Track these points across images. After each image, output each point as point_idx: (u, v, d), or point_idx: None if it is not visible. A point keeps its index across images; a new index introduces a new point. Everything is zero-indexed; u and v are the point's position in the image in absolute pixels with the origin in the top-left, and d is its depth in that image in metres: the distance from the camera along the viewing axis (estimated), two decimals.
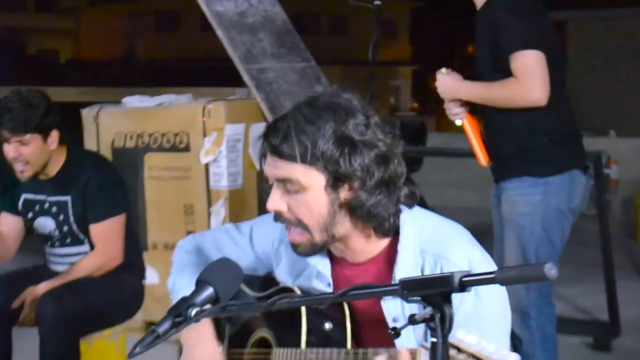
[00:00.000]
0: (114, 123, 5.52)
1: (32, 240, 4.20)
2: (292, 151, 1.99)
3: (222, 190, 5.17)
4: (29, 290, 3.83)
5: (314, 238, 2.06)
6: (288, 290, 2.19)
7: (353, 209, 2.03)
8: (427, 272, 2.04)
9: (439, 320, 1.45)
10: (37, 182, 3.93)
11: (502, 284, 1.43)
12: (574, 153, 3.74)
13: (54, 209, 3.95)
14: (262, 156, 2.08)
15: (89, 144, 5.52)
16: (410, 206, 2.09)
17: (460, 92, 3.74)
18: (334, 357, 1.98)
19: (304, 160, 1.99)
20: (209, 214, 5.20)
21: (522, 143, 3.66)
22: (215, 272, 1.91)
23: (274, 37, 5.55)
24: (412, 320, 1.48)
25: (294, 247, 2.10)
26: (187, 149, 5.25)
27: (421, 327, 1.53)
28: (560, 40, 3.94)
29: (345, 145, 1.98)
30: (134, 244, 4.16)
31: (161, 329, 1.77)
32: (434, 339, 1.45)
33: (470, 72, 3.81)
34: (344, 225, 2.05)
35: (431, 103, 30.87)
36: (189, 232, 5.27)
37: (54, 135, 3.85)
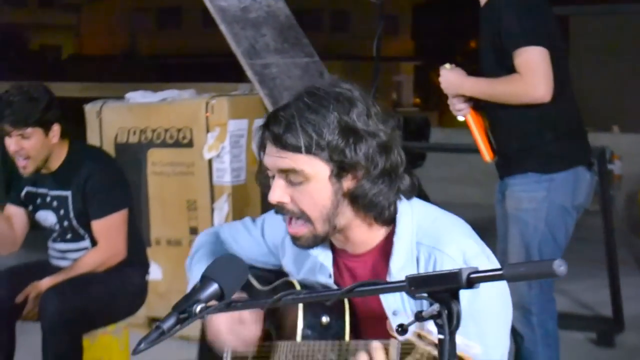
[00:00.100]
0: (117, 118, 5.51)
1: (35, 236, 4.20)
2: (297, 141, 1.97)
3: (225, 185, 5.17)
4: (32, 285, 3.83)
5: (316, 229, 2.05)
6: (289, 283, 2.19)
7: (356, 199, 2.02)
8: (422, 264, 2.04)
9: (447, 317, 1.44)
10: (39, 175, 3.94)
11: (510, 280, 1.43)
12: (578, 149, 3.73)
13: (55, 203, 3.95)
14: (261, 147, 2.06)
15: (92, 139, 5.52)
16: (409, 196, 2.08)
17: (463, 88, 3.73)
18: (322, 349, 1.99)
19: (308, 151, 1.98)
20: (212, 210, 5.19)
21: (527, 139, 3.65)
22: (220, 268, 1.91)
23: (277, 32, 5.54)
24: (419, 317, 1.48)
25: (295, 239, 2.08)
26: (190, 144, 5.24)
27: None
28: (562, 36, 3.93)
29: (350, 135, 1.98)
30: (138, 239, 4.15)
31: (166, 325, 1.77)
32: (441, 336, 1.44)
33: (473, 68, 3.80)
34: (345, 215, 2.05)
35: (433, 98, 30.85)
36: (191, 228, 5.27)
37: (56, 129, 3.84)
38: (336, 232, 2.08)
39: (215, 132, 5.14)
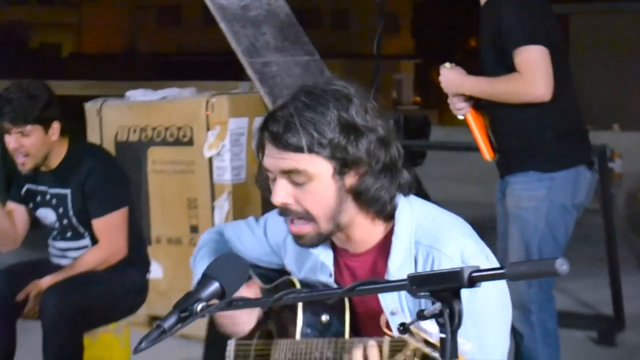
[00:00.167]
0: (117, 117, 5.51)
1: (35, 234, 4.20)
2: (298, 141, 1.97)
3: (225, 184, 5.17)
4: (33, 284, 3.83)
5: (320, 228, 2.05)
6: (290, 282, 2.19)
7: (359, 194, 2.02)
8: (420, 264, 2.04)
9: (448, 316, 1.44)
10: (39, 173, 3.94)
11: (512, 279, 1.42)
12: (579, 148, 3.73)
13: (54, 201, 3.95)
14: (260, 148, 2.05)
15: (92, 137, 5.52)
16: (408, 191, 2.08)
17: (464, 87, 3.73)
18: (319, 347, 1.99)
19: (310, 150, 1.97)
20: (213, 208, 5.19)
21: (527, 138, 3.65)
22: (221, 266, 1.91)
23: (278, 30, 5.54)
24: (421, 316, 1.47)
25: (298, 238, 2.08)
26: (190, 142, 5.24)
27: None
28: (562, 34, 3.93)
29: (350, 131, 1.98)
30: (138, 238, 4.15)
31: (167, 324, 1.77)
32: (442, 335, 1.44)
33: (472, 67, 3.80)
34: (348, 212, 2.05)
35: (434, 97, 30.84)
36: (192, 227, 5.27)
37: (55, 126, 3.84)
38: (339, 230, 2.08)
39: (216, 131, 5.14)
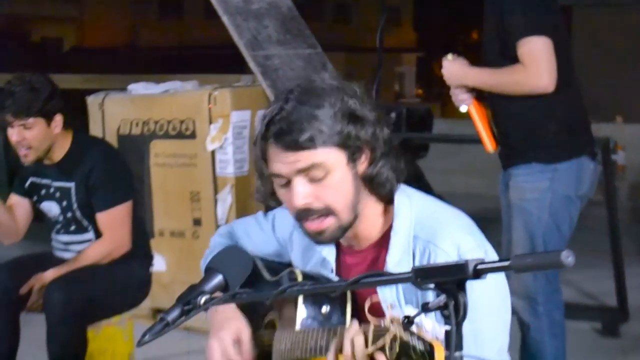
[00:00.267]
0: (119, 110, 5.51)
1: (39, 227, 4.20)
2: (310, 138, 1.97)
3: (228, 177, 5.16)
4: (37, 277, 3.83)
5: (341, 220, 2.04)
6: (293, 274, 2.20)
7: (371, 179, 2.05)
8: (417, 258, 2.04)
9: (453, 308, 1.43)
10: (42, 166, 3.94)
11: (517, 271, 1.42)
12: (582, 139, 3.72)
13: (58, 194, 3.95)
14: (262, 155, 2.03)
15: (95, 131, 5.51)
16: (403, 172, 2.10)
17: (466, 79, 3.72)
18: (314, 336, 2.00)
19: (323, 142, 1.97)
20: (216, 201, 5.19)
21: (530, 129, 3.64)
22: (224, 260, 1.91)
23: (280, 23, 5.53)
24: (426, 308, 1.47)
25: (318, 235, 2.05)
26: (193, 136, 5.24)
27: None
28: (565, 26, 3.92)
29: (354, 119, 2.01)
30: (142, 231, 4.15)
31: (170, 317, 1.77)
32: (447, 327, 1.44)
33: (474, 59, 3.79)
34: (364, 200, 2.07)
35: (436, 89, 30.82)
36: (195, 220, 5.27)
37: (58, 119, 3.84)
38: (355, 221, 2.08)
39: (218, 124, 5.13)
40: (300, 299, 2.09)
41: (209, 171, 5.20)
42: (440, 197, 2.19)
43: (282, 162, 2.00)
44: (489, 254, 2.04)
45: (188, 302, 1.80)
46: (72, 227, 3.98)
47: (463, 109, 3.81)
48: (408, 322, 1.53)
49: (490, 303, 1.98)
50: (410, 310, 1.63)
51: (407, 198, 2.10)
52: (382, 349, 1.65)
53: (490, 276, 1.49)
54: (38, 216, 4.12)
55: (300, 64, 5.43)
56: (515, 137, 3.69)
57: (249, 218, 2.50)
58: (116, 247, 3.92)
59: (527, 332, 3.73)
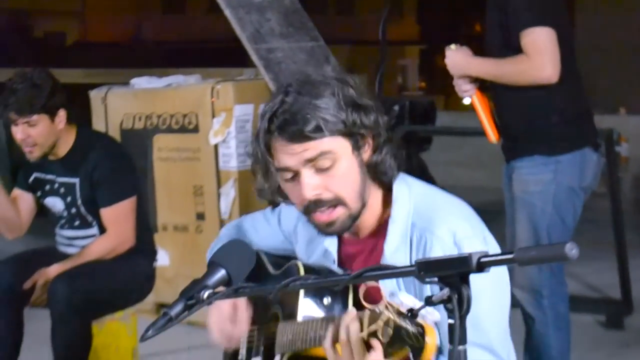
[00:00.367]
0: (122, 104, 5.51)
1: (43, 222, 4.20)
2: (315, 127, 1.97)
3: (231, 171, 5.16)
4: (40, 272, 3.83)
5: (351, 209, 2.04)
6: (295, 267, 2.20)
7: (375, 167, 2.05)
8: (414, 246, 2.04)
9: (457, 302, 1.43)
10: (47, 161, 3.93)
11: (521, 264, 1.42)
12: (585, 131, 3.71)
13: (63, 189, 3.95)
14: (267, 151, 2.03)
15: (98, 125, 5.51)
16: (400, 158, 2.10)
17: (470, 69, 3.71)
18: (313, 326, 2.00)
19: (330, 130, 1.97)
20: (219, 195, 5.19)
21: (533, 121, 3.64)
22: (227, 254, 1.91)
23: (282, 16, 5.51)
24: (429, 301, 1.47)
25: (328, 226, 2.05)
26: (196, 129, 5.23)
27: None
28: (569, 17, 3.91)
29: (356, 107, 2.01)
30: (145, 226, 4.15)
31: (174, 312, 1.76)
32: (451, 320, 1.43)
33: (477, 51, 3.77)
34: (369, 187, 2.07)
35: (439, 82, 30.78)
36: (198, 214, 5.27)
37: (62, 114, 3.84)
38: (363, 210, 2.07)
39: (221, 117, 5.13)
40: (302, 291, 2.09)
41: (212, 165, 5.20)
42: (443, 189, 2.18)
43: (289, 153, 1.99)
44: (488, 241, 2.03)
45: (191, 296, 1.79)
46: (77, 223, 3.98)
47: (466, 100, 3.80)
48: (412, 315, 1.53)
49: (488, 292, 1.96)
50: (409, 299, 1.63)
51: (406, 186, 2.10)
52: (376, 333, 1.65)
53: None
54: (42, 211, 4.12)
55: (303, 57, 5.42)
56: (518, 128, 3.68)
57: (257, 213, 2.51)
58: (120, 242, 3.92)
59: (531, 325, 3.73)
